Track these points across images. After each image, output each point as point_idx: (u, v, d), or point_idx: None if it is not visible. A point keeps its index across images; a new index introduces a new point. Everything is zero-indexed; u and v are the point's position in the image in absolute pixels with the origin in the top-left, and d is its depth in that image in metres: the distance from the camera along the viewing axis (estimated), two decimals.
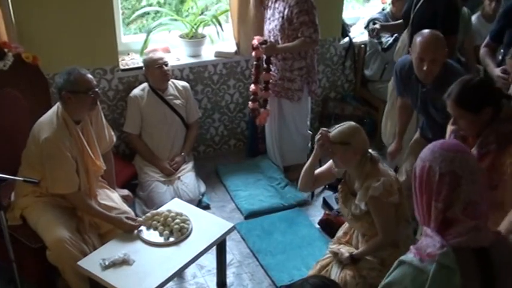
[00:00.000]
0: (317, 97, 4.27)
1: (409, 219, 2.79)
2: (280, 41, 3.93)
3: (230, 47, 4.43)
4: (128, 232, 3.03)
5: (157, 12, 4.60)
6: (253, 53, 4.03)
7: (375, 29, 4.23)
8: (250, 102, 4.21)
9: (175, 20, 4.37)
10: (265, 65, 4.02)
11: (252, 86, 4.16)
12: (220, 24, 4.28)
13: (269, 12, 4.02)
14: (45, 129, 2.94)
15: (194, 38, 4.31)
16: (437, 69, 3.07)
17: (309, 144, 4.34)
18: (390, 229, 2.69)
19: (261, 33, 4.13)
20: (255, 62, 4.08)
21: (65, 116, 2.97)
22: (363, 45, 4.87)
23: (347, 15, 5.03)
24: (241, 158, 4.72)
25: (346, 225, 3.03)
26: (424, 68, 3.06)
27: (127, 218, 3.06)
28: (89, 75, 2.97)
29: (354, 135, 2.72)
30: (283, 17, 3.85)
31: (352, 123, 2.81)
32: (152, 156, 4.00)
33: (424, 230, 1.79)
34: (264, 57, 4.00)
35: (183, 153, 4.09)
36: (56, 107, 3.01)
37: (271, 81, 4.07)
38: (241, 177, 4.35)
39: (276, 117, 4.21)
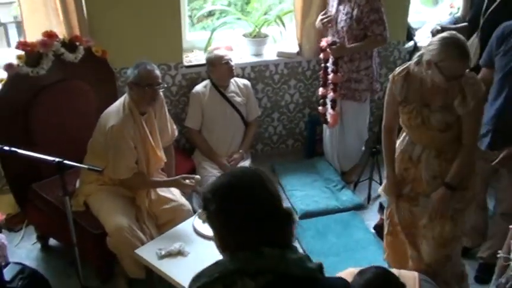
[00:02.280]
0: (377, 94, 4.21)
1: None
2: (347, 43, 3.90)
3: (292, 47, 4.45)
4: (185, 192, 3.35)
5: (222, 11, 4.67)
6: (321, 55, 4.01)
7: (435, 30, 4.14)
8: (320, 107, 4.18)
9: (239, 19, 4.43)
10: (333, 67, 3.99)
11: (321, 89, 4.14)
12: (283, 24, 4.30)
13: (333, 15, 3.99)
14: (112, 117, 3.05)
15: (257, 37, 4.36)
16: None
17: (363, 148, 4.28)
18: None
19: (323, 35, 4.12)
20: (322, 64, 4.07)
21: (131, 106, 3.07)
22: None
23: (413, 19, 4.93)
24: (298, 158, 4.72)
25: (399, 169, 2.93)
26: None
27: (183, 178, 3.21)
28: (155, 72, 3.07)
29: None
30: (351, 18, 3.82)
31: None
32: (211, 151, 4.07)
33: None
34: (331, 59, 3.98)
35: (241, 151, 4.13)
36: (124, 98, 3.12)
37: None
38: (297, 177, 4.36)
39: (338, 121, 4.18)
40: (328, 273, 3.43)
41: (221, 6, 4.66)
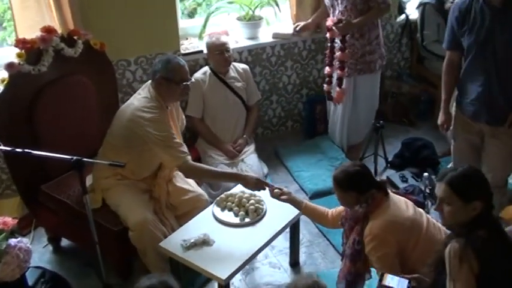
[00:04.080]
0: (384, 59, 4.22)
1: None
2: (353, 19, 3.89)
3: (287, 28, 4.40)
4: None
5: None
6: (328, 35, 4.01)
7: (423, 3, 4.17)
8: (325, 85, 4.21)
9: (232, 2, 4.36)
10: (341, 45, 3.98)
11: (327, 68, 4.15)
12: (277, 5, 4.25)
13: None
14: (147, 111, 2.92)
15: (252, 20, 4.30)
16: None
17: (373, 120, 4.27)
18: None
19: (321, 15, 4.16)
20: (328, 44, 4.07)
21: (159, 99, 3.00)
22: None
23: None
24: (299, 139, 4.71)
25: None
26: None
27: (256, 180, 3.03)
28: (186, 68, 3.03)
29: None
30: None
31: None
32: (215, 139, 4.03)
33: None
34: (338, 38, 3.99)
35: (245, 136, 4.10)
36: (148, 91, 3.01)
37: (351, 61, 4.01)
38: (302, 158, 4.34)
39: (351, 97, 4.16)
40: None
41: None
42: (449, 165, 3.58)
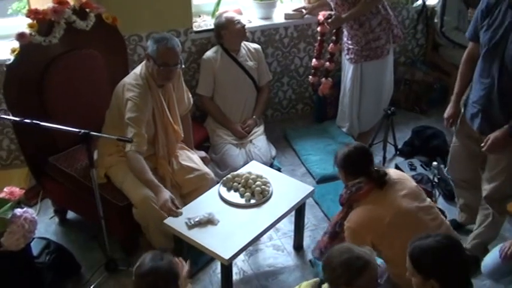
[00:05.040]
0: (400, 40, 4.17)
1: None
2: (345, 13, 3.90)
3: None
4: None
5: None
6: (319, 29, 4.01)
7: None
8: (310, 76, 4.22)
9: None
10: (334, 38, 4.03)
11: (314, 61, 4.16)
12: None
13: None
14: (129, 88, 2.98)
15: (266, 0, 4.24)
16: None
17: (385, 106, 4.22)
18: None
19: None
20: (319, 38, 4.07)
21: (148, 77, 2.99)
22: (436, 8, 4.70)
23: None
24: (308, 122, 4.68)
25: None
26: None
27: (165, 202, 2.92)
28: (174, 50, 2.97)
29: None
30: None
31: None
32: (224, 118, 4.01)
33: None
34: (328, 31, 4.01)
35: (254, 116, 4.08)
36: (140, 67, 3.04)
37: (356, 48, 3.97)
38: (310, 142, 4.32)
39: (358, 85, 4.11)
40: None
41: None
42: (445, 169, 3.53)
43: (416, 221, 2.57)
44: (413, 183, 2.74)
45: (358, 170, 2.68)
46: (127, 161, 3.00)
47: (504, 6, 2.65)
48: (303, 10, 4.33)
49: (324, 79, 4.15)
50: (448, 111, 3.10)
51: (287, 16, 4.31)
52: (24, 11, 4.05)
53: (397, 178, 2.70)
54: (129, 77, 3.06)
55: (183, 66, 3.18)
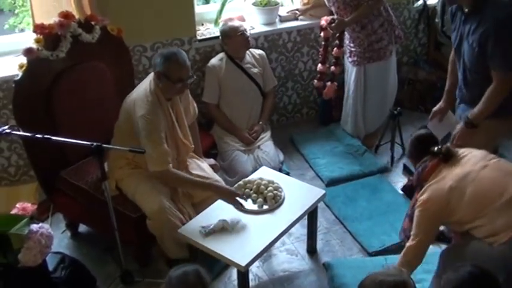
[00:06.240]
0: (402, 41, 4.21)
1: None
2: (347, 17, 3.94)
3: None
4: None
5: None
6: (322, 34, 4.05)
7: None
8: (315, 81, 4.27)
9: None
10: (337, 42, 4.08)
11: (320, 66, 4.21)
12: None
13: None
14: (140, 105, 2.94)
15: (268, 6, 4.26)
16: None
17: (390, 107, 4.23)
18: None
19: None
20: (323, 43, 4.11)
21: (157, 92, 2.98)
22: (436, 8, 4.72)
23: None
24: (314, 126, 4.69)
25: None
26: None
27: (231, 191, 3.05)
28: (186, 65, 2.94)
29: None
30: None
31: None
32: (231, 125, 4.01)
33: None
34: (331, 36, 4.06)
35: (261, 122, 4.08)
36: (149, 83, 3.01)
37: (359, 50, 4.00)
38: (317, 145, 4.32)
39: (362, 87, 4.13)
40: (366, 237, 3.47)
41: None
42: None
43: (479, 177, 2.53)
44: (479, 151, 2.72)
45: (423, 151, 2.76)
46: (165, 180, 3.01)
47: (460, 12, 2.99)
48: (297, 12, 4.36)
49: (329, 83, 4.18)
50: (437, 106, 3.38)
51: (281, 18, 4.35)
52: (21, 26, 4.07)
53: (468, 152, 2.69)
54: (138, 94, 3.01)
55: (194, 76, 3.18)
